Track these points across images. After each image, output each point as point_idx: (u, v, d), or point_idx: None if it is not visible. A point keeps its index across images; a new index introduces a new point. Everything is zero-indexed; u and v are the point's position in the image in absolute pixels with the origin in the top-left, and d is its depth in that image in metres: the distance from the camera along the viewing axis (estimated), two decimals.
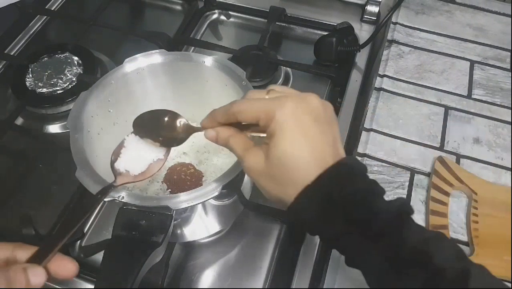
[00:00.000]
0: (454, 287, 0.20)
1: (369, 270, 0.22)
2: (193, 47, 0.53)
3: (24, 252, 0.22)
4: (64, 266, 0.22)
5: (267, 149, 0.23)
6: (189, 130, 0.28)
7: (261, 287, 0.36)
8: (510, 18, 0.48)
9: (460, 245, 0.35)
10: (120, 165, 0.28)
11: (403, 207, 0.22)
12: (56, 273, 0.22)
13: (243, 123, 0.25)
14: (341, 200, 0.21)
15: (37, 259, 0.21)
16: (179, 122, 0.28)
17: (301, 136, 0.22)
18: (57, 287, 0.34)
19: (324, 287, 0.33)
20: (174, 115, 0.29)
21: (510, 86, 0.46)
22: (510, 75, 0.46)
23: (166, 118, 0.29)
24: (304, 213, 0.22)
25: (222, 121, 0.25)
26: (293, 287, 0.34)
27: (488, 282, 0.21)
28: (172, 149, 0.39)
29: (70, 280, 0.22)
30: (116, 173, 0.28)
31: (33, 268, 0.21)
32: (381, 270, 0.21)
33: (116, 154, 0.28)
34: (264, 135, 0.23)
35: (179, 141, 0.29)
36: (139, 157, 0.28)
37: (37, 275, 0.21)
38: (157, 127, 0.29)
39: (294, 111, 0.22)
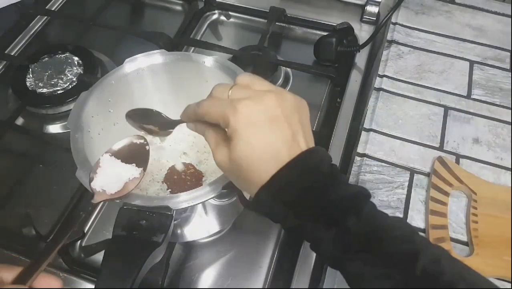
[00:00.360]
0: (402, 269, 0.21)
1: (325, 256, 0.24)
2: (193, 48, 0.53)
3: (9, 273, 0.22)
4: (48, 284, 0.22)
5: (229, 149, 0.24)
6: (175, 122, 0.30)
7: (261, 287, 0.36)
8: (510, 18, 0.48)
9: (460, 245, 0.35)
10: (96, 184, 0.28)
11: (358, 194, 0.23)
12: None
13: None
14: (291, 195, 0.23)
15: (22, 280, 0.22)
16: (165, 116, 0.31)
17: (254, 140, 0.23)
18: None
19: (324, 287, 0.33)
20: (159, 112, 0.31)
21: (510, 86, 0.46)
22: (510, 75, 0.46)
23: (154, 112, 0.31)
24: (262, 208, 0.24)
25: (193, 119, 0.27)
26: (293, 287, 0.34)
27: (436, 261, 0.21)
28: (173, 148, 0.40)
29: None
30: (94, 191, 0.28)
31: None
32: (334, 255, 0.22)
33: (93, 173, 0.28)
34: None
35: (166, 133, 0.31)
36: (115, 175, 0.29)
37: None
38: (147, 119, 0.31)
39: (246, 116, 0.23)
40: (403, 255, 0.21)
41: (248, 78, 0.26)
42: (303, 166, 0.23)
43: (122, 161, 0.30)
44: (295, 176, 0.23)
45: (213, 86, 0.26)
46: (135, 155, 0.30)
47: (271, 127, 0.23)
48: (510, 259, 0.33)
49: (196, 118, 0.26)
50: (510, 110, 0.43)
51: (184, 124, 0.40)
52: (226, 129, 0.24)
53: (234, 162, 0.24)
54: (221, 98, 0.25)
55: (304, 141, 0.24)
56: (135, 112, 0.31)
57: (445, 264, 0.21)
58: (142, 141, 0.31)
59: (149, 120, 0.31)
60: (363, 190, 0.24)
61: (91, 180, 0.28)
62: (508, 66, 0.47)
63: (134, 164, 0.30)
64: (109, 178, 0.28)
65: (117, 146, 0.30)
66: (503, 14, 0.52)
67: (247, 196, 0.38)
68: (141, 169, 0.30)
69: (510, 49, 0.49)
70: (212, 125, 0.26)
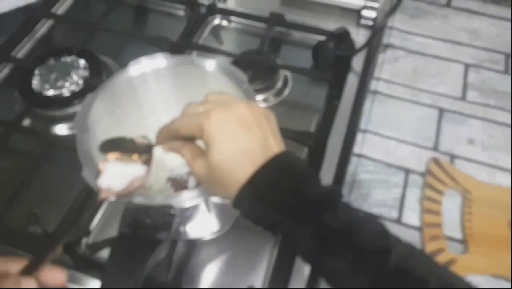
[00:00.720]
0: (376, 263, 0.22)
1: (302, 254, 0.24)
2: (195, 51, 0.54)
3: (15, 265, 0.23)
4: (53, 275, 0.23)
5: (206, 158, 0.25)
6: (150, 146, 0.30)
7: (260, 287, 0.37)
8: (510, 22, 0.49)
9: (454, 243, 0.36)
10: (102, 181, 0.28)
11: (332, 192, 0.24)
12: (47, 282, 0.23)
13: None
14: (270, 194, 0.24)
15: (28, 271, 0.22)
16: (139, 142, 0.30)
17: (228, 143, 0.24)
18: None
19: (321, 287, 0.34)
20: (131, 140, 0.31)
21: (505, 88, 0.46)
22: (510, 78, 0.47)
23: (126, 140, 0.31)
24: (242, 208, 0.25)
25: (169, 138, 0.28)
26: (292, 287, 0.34)
27: (409, 256, 0.22)
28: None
29: (62, 287, 0.23)
30: (99, 189, 0.28)
31: (25, 280, 0.22)
32: (311, 252, 0.23)
33: (99, 170, 0.29)
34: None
35: (146, 159, 0.30)
36: (120, 173, 0.29)
37: (30, 286, 0.22)
38: (122, 148, 0.30)
39: (220, 122, 0.24)
40: (376, 249, 0.22)
41: (217, 94, 0.28)
42: (279, 165, 0.24)
43: (127, 159, 0.30)
44: (273, 176, 0.24)
45: (185, 106, 0.28)
46: (140, 153, 0.31)
47: (244, 130, 0.24)
48: (503, 256, 0.34)
49: (171, 137, 0.28)
50: (510, 113, 0.44)
51: None
52: (201, 140, 0.25)
53: (212, 168, 0.24)
54: (194, 113, 0.26)
55: (277, 144, 0.25)
56: (107, 144, 0.31)
57: (417, 259, 0.22)
58: (145, 141, 0.32)
59: (124, 149, 0.30)
60: (336, 188, 0.25)
61: (96, 177, 0.29)
62: (502, 69, 0.48)
63: (139, 162, 0.30)
64: (115, 176, 0.29)
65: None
66: (498, 17, 0.53)
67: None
68: (146, 166, 0.30)
69: (504, 52, 0.50)
70: (187, 141, 0.27)
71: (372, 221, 0.24)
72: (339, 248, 0.22)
